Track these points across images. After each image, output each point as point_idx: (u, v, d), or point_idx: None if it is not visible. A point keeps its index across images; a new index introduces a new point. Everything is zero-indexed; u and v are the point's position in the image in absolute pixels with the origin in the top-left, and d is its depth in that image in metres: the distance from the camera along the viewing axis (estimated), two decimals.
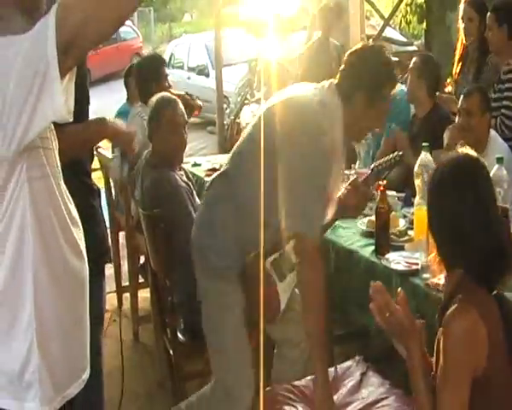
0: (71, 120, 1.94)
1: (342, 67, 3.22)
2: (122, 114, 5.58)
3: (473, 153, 2.46)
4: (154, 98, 4.35)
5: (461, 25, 5.44)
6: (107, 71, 19.12)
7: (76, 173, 2.80)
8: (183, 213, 3.95)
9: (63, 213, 2.15)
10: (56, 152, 2.17)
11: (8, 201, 1.99)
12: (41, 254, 2.06)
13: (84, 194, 2.95)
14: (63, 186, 2.19)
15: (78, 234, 2.22)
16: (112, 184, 5.71)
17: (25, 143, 1.92)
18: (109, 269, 4.44)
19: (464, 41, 5.44)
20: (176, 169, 4.18)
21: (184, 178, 4.22)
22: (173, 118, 4.21)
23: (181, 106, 4.28)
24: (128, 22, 21.17)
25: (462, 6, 5.47)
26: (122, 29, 18.84)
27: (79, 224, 2.24)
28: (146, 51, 23.90)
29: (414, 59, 5.08)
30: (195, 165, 5.80)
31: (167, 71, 5.66)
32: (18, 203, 2.00)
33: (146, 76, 5.34)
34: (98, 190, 3.28)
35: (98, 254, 3.03)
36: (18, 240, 2.02)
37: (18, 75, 1.85)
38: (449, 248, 2.37)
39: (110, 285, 5.33)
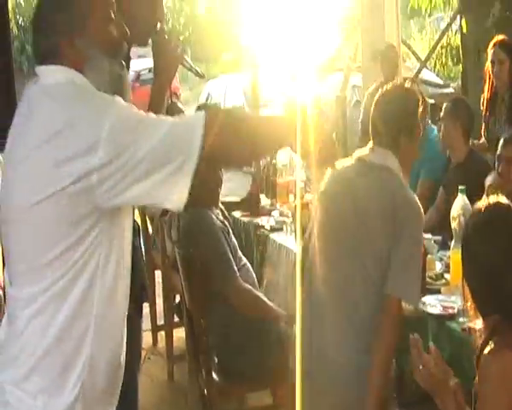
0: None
1: (373, 124, 3.29)
2: None
3: (504, 200, 2.47)
4: None
5: (490, 68, 5.48)
6: (143, 110, 19.21)
7: None
8: (219, 252, 3.96)
9: (127, 261, 2.20)
10: None
11: (87, 246, 2.00)
12: (104, 299, 2.08)
13: None
14: (131, 237, 2.25)
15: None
16: (148, 222, 5.76)
17: (122, 206, 2.01)
18: (145, 308, 4.46)
19: (495, 83, 5.46)
20: (212, 208, 4.20)
21: (221, 217, 4.24)
22: None
23: None
24: None
25: (490, 50, 5.51)
26: None
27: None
28: (183, 91, 24.07)
29: (445, 104, 5.04)
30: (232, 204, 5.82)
31: None
32: (95, 251, 2.02)
33: None
34: (138, 228, 3.31)
35: (137, 292, 3.06)
36: (88, 282, 2.03)
37: (154, 146, 1.93)
38: (484, 295, 2.36)
39: (145, 324, 5.34)
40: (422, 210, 3.19)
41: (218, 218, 4.15)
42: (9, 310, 2.13)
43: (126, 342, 2.28)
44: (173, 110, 5.99)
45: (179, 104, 6.57)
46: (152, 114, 2.08)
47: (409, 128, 3.24)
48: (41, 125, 1.98)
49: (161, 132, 1.94)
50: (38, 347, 2.04)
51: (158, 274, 5.77)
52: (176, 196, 1.98)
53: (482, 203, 2.48)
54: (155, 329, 5.86)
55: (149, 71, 20.85)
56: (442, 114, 4.99)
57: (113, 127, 1.91)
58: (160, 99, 3.02)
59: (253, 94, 10.25)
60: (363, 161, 3.26)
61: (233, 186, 12.31)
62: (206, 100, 16.63)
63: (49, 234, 1.99)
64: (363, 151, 3.29)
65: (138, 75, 19.00)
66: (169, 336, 5.49)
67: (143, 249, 5.24)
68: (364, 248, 3.11)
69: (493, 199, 2.49)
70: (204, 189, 4.17)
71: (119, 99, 2.05)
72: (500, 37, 5.73)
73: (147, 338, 5.68)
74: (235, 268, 3.99)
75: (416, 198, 3.21)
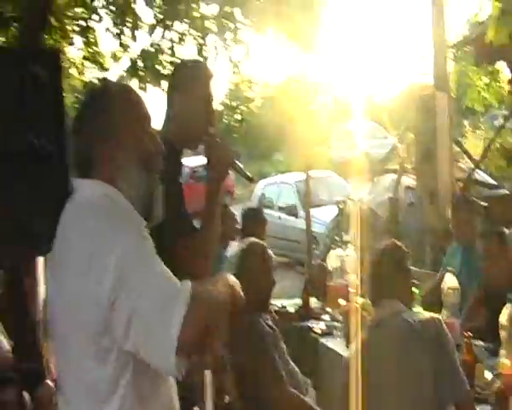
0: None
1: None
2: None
3: None
4: (242, 244, 4.46)
5: None
6: (197, 208, 19.24)
7: None
8: (267, 359, 3.99)
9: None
10: None
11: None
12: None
13: None
14: None
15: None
16: None
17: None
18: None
19: None
20: (262, 314, 4.24)
21: (270, 322, 4.26)
22: (263, 263, 4.30)
23: (270, 251, 4.38)
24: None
25: None
26: None
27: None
28: (237, 189, 24.33)
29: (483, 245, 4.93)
30: (283, 308, 5.83)
31: None
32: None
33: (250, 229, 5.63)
34: None
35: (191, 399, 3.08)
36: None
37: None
38: None
39: None
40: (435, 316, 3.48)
41: (267, 323, 4.17)
42: None
43: None
44: (225, 215, 6.14)
45: (231, 209, 6.74)
46: (155, 260, 2.03)
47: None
48: (72, 257, 2.05)
49: (150, 293, 1.92)
50: None
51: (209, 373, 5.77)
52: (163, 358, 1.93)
53: None
54: None
55: (204, 168, 21.08)
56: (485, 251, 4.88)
57: (121, 261, 1.94)
58: (214, 200, 3.10)
59: (306, 194, 10.37)
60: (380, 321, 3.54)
61: (286, 285, 12.36)
62: (260, 199, 16.81)
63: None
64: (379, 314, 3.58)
65: (193, 172, 19.32)
66: None
67: None
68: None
69: None
70: (256, 295, 4.20)
71: (133, 231, 2.06)
72: None
73: None
74: (283, 374, 4.00)
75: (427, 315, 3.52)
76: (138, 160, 2.19)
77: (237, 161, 3.10)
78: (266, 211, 15.49)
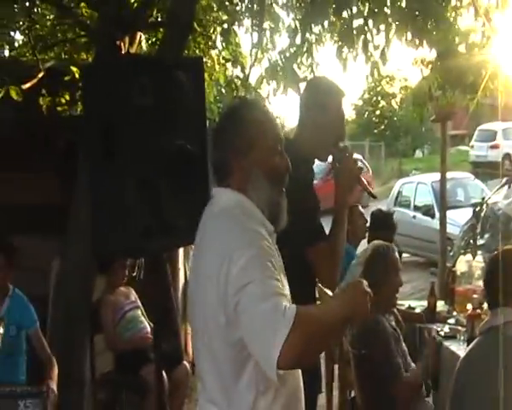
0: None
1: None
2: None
3: None
4: (369, 246, 4.63)
5: None
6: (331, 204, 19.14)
7: None
8: (388, 358, 4.11)
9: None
10: None
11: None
12: None
13: None
14: None
15: None
16: None
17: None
18: (321, 399, 4.60)
19: None
20: (386, 313, 4.38)
21: (393, 323, 4.42)
22: (395, 262, 4.46)
23: (396, 253, 4.51)
24: (358, 155, 21.81)
25: None
26: None
27: None
28: (375, 186, 24.22)
29: None
30: (410, 308, 5.92)
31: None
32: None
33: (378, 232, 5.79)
34: None
35: (312, 384, 3.23)
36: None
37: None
38: None
39: None
40: None
41: (390, 324, 4.31)
42: None
43: None
44: (354, 214, 6.29)
45: (360, 208, 6.90)
46: (272, 275, 2.20)
47: None
48: (207, 259, 2.33)
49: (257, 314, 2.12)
50: None
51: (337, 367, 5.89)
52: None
53: None
54: None
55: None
56: None
57: (244, 270, 2.16)
58: (342, 212, 3.34)
59: (442, 195, 10.34)
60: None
61: (417, 285, 12.30)
62: (397, 197, 16.79)
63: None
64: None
65: (330, 169, 19.48)
66: None
67: None
68: None
69: None
70: (382, 295, 4.34)
71: (258, 242, 2.26)
72: None
73: None
74: (404, 373, 4.14)
75: None
76: (267, 175, 2.43)
77: (362, 178, 3.34)
78: (402, 210, 15.56)
